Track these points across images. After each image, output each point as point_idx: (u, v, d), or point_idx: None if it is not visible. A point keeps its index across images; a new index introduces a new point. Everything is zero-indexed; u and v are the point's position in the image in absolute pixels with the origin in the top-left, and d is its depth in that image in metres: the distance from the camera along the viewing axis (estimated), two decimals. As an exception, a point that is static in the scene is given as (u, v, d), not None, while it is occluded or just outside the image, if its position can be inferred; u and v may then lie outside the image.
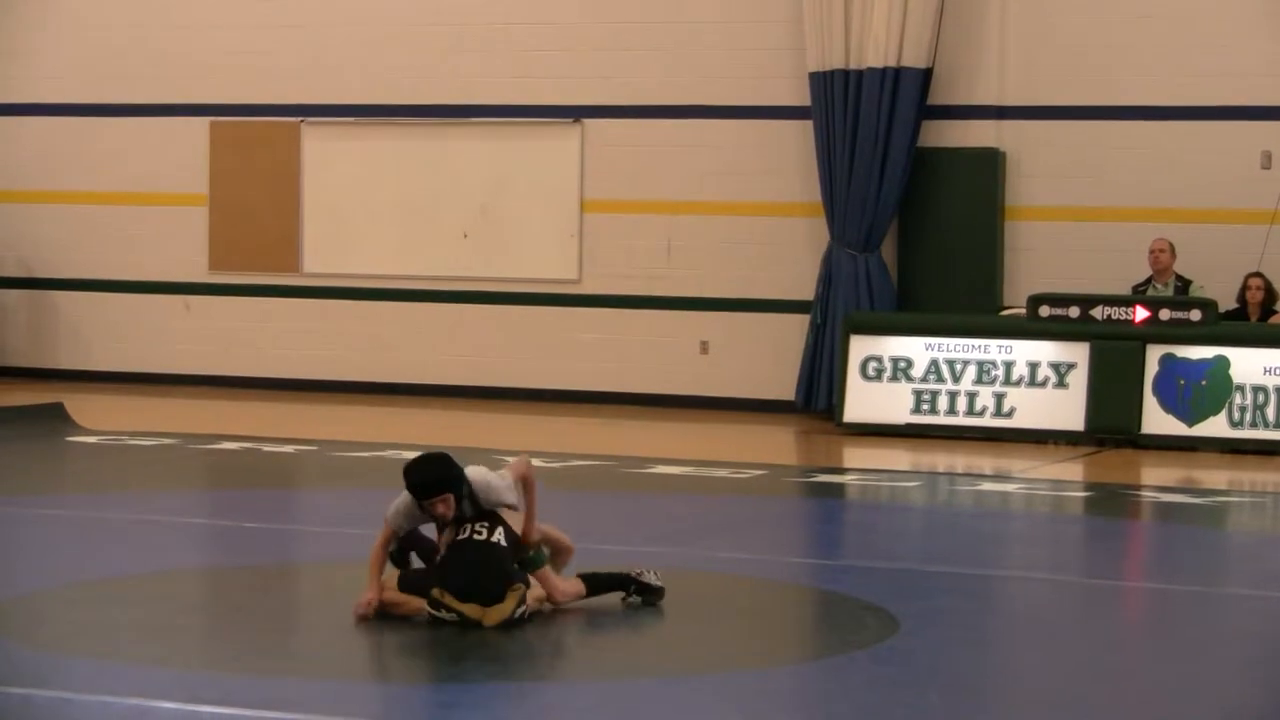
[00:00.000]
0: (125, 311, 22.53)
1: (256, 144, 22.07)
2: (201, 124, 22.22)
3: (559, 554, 9.66)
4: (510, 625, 8.90)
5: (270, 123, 22.03)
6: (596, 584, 9.65)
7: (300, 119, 21.93)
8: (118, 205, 22.49)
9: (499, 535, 9.22)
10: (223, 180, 22.21)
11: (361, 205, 21.77)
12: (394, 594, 9.23)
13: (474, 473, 9.30)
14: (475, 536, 9.20)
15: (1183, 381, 17.86)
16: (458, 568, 9.12)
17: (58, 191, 22.70)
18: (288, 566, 11.06)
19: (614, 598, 9.59)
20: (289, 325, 22.01)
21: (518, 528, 9.34)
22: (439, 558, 9.31)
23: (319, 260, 21.96)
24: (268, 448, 16.37)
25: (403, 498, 9.31)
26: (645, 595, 9.59)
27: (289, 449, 16.33)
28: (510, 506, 9.35)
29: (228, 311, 22.20)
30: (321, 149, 21.92)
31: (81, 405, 18.64)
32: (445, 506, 9.17)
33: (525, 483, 9.45)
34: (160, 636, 8.86)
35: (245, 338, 22.15)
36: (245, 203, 22.14)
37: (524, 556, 9.34)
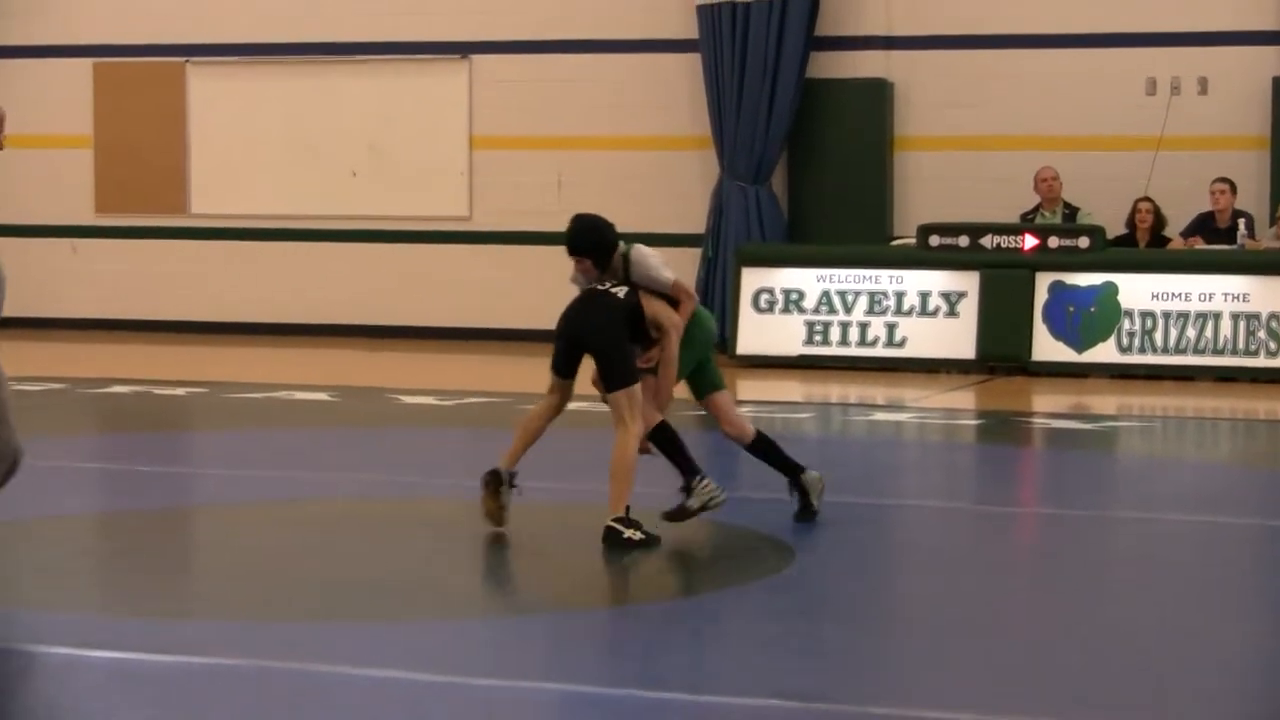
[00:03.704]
0: (10, 255, 22.03)
1: (141, 85, 21.83)
2: (85, 65, 21.95)
3: (662, 390, 9.81)
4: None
5: (155, 63, 21.79)
6: (767, 449, 10.13)
7: (185, 59, 21.70)
8: (0, 148, 22.16)
9: (621, 293, 9.74)
10: (107, 122, 21.96)
11: (249, 145, 21.58)
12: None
13: (639, 249, 10.00)
14: (599, 287, 9.76)
15: (1072, 308, 17.99)
16: (570, 311, 9.75)
17: (-61, 135, 22.35)
18: (181, 510, 10.99)
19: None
20: (177, 267, 21.81)
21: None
22: None
23: (207, 201, 21.76)
24: (159, 390, 16.24)
25: None
26: (802, 501, 10.05)
27: (180, 392, 16.20)
28: (661, 290, 9.86)
29: (115, 254, 21.97)
30: (207, 89, 21.70)
31: (-32, 351, 18.40)
32: (582, 269, 9.86)
33: (679, 294, 9.88)
34: (52, 581, 8.80)
35: (133, 280, 21.93)
36: (131, 144, 21.89)
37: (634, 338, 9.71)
